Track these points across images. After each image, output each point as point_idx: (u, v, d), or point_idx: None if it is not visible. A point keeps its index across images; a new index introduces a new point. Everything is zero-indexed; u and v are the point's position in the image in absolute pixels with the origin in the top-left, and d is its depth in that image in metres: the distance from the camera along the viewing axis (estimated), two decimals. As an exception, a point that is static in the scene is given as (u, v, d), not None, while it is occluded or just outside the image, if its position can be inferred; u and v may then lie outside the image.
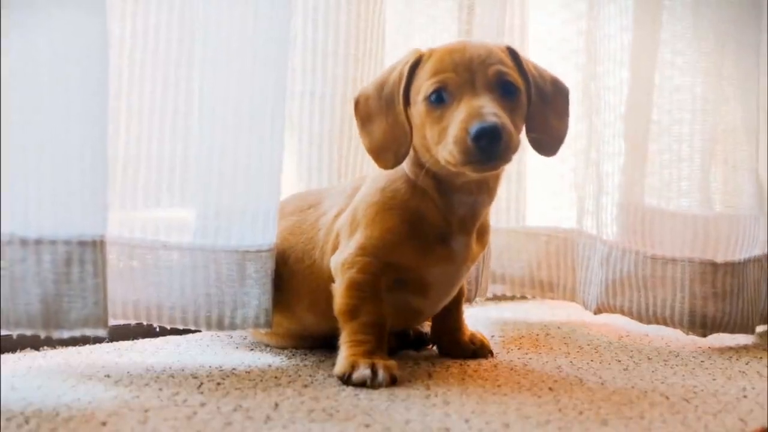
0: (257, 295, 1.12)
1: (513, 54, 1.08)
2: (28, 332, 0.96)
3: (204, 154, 1.12)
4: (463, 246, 1.10)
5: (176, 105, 1.13)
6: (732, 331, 1.37)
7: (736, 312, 1.36)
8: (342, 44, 1.33)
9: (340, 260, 1.09)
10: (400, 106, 1.06)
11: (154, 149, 1.13)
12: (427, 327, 1.27)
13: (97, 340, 1.22)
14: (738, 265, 1.37)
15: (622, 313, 1.41)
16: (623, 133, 1.42)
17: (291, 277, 1.16)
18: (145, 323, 1.13)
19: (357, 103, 1.10)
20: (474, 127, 0.96)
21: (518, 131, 1.04)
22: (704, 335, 1.36)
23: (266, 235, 1.13)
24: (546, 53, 1.58)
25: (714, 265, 1.35)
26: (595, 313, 1.44)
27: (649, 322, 1.39)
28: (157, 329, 1.19)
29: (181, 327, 1.14)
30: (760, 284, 1.41)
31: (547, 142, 1.10)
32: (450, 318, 1.21)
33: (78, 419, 0.86)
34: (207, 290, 1.12)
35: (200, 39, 1.12)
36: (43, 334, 0.96)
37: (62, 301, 0.97)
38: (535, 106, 1.07)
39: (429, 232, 1.08)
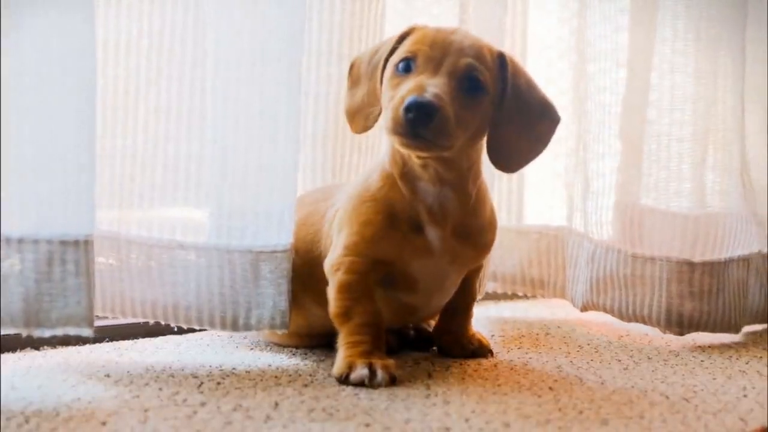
0: (272, 295, 1.12)
1: (501, 60, 1.07)
2: (10, 331, 0.96)
3: (218, 154, 1.12)
4: (438, 239, 1.08)
5: (191, 104, 1.13)
6: (712, 330, 1.37)
7: (716, 311, 1.36)
8: (335, 44, 1.33)
9: (330, 262, 1.09)
10: (379, 73, 1.08)
11: (170, 148, 1.13)
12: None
13: (97, 339, 1.22)
14: (717, 265, 1.37)
15: (605, 311, 1.42)
16: (618, 132, 1.42)
17: (301, 268, 1.15)
18: (162, 323, 1.14)
19: (352, 66, 1.14)
20: (408, 99, 0.97)
21: (468, 130, 1.03)
22: (681, 334, 1.36)
23: (281, 236, 1.13)
24: (545, 51, 1.58)
25: (691, 265, 1.35)
26: (582, 311, 1.45)
27: (629, 320, 1.40)
28: (176, 328, 1.19)
29: (197, 327, 1.14)
30: (747, 284, 1.41)
31: (507, 157, 1.09)
32: (455, 319, 1.21)
33: (78, 419, 0.86)
34: (221, 290, 1.12)
35: (213, 39, 1.12)
36: (24, 333, 0.96)
37: (43, 300, 0.96)
38: (509, 118, 1.06)
39: (402, 221, 1.08)
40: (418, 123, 0.97)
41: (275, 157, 1.12)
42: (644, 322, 1.38)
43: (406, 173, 1.08)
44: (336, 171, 1.36)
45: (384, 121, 1.01)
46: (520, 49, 1.55)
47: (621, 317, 1.40)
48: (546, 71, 1.56)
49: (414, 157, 1.05)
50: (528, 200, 1.61)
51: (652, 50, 1.41)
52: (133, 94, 1.12)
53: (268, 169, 1.12)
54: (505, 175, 1.54)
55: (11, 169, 0.95)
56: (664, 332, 1.37)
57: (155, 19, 1.12)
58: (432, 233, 1.08)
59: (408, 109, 0.97)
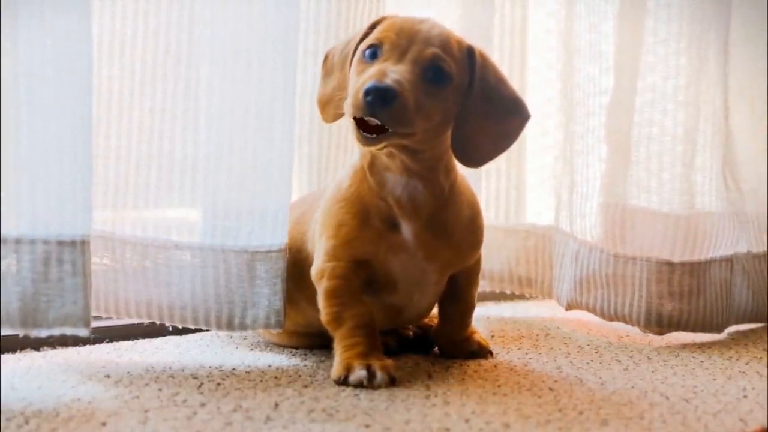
0: (267, 295, 1.13)
1: (470, 52, 1.06)
2: (7, 331, 0.96)
3: (213, 154, 1.12)
4: (411, 234, 1.07)
5: (186, 104, 1.14)
6: (693, 330, 1.38)
7: (696, 311, 1.37)
8: (322, 43, 1.33)
9: (314, 271, 1.10)
10: (349, 62, 1.07)
11: (165, 148, 1.14)
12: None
13: (97, 340, 1.22)
14: (698, 265, 1.37)
15: (588, 309, 1.43)
16: (604, 132, 1.42)
17: (293, 269, 1.16)
18: (157, 322, 1.14)
19: (326, 58, 1.14)
20: (368, 83, 0.96)
21: (430, 119, 1.01)
22: (660, 333, 1.37)
23: (276, 236, 1.13)
24: (544, 53, 1.58)
25: (671, 265, 1.36)
26: (567, 309, 1.46)
27: (611, 320, 1.41)
28: (180, 328, 1.19)
29: (192, 327, 1.14)
30: (731, 284, 1.42)
31: (470, 151, 1.08)
32: (454, 321, 1.20)
33: (78, 419, 0.86)
34: (217, 290, 1.12)
35: (207, 39, 1.12)
36: (21, 333, 0.96)
37: (40, 300, 0.97)
38: (475, 111, 1.05)
39: (375, 217, 1.07)
40: (376, 107, 0.96)
41: (270, 157, 1.13)
42: (625, 322, 1.39)
43: (374, 164, 1.08)
44: (323, 170, 1.36)
45: (345, 107, 1.01)
46: (519, 50, 1.55)
47: (603, 316, 1.41)
48: (546, 73, 1.56)
49: (361, 140, 1.02)
50: (516, 199, 1.60)
51: (639, 52, 1.41)
52: (127, 94, 1.12)
53: (262, 169, 1.13)
54: (494, 174, 1.55)
55: (8, 169, 0.95)
56: (644, 332, 1.38)
57: (150, 18, 1.12)
58: (405, 227, 1.08)
59: (367, 92, 0.96)
